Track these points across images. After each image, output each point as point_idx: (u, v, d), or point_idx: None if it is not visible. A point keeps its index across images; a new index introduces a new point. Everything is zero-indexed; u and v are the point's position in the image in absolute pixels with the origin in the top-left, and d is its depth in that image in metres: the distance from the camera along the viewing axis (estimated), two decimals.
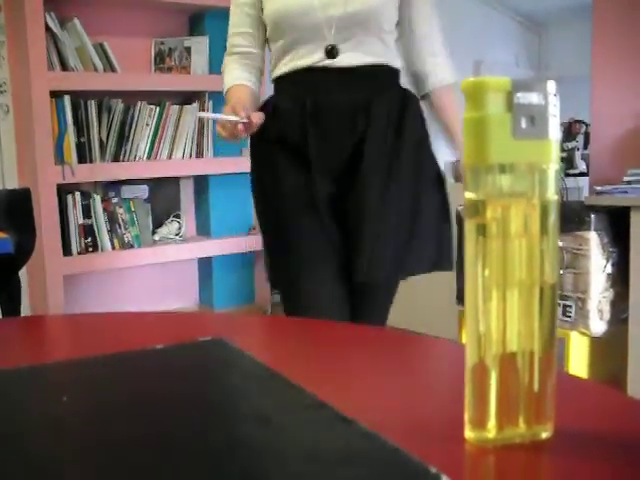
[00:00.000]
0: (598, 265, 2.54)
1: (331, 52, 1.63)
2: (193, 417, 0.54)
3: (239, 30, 1.77)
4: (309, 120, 1.65)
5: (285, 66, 1.70)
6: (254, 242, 3.87)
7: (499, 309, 0.49)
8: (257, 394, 0.61)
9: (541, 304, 0.49)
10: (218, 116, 1.55)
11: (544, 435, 0.52)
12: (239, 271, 3.93)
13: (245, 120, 1.51)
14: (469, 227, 0.49)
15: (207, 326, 0.89)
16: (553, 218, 0.48)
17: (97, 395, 0.59)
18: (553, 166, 0.48)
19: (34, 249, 2.03)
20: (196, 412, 0.55)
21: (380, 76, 1.69)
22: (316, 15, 1.61)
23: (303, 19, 1.63)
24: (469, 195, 0.48)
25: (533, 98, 0.46)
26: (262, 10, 1.72)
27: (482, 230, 0.48)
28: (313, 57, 1.65)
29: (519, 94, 0.46)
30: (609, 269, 2.57)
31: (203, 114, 1.42)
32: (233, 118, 1.51)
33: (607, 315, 2.58)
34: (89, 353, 0.71)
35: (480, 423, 0.51)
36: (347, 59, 1.64)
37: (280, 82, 1.74)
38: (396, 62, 1.73)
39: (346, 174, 1.68)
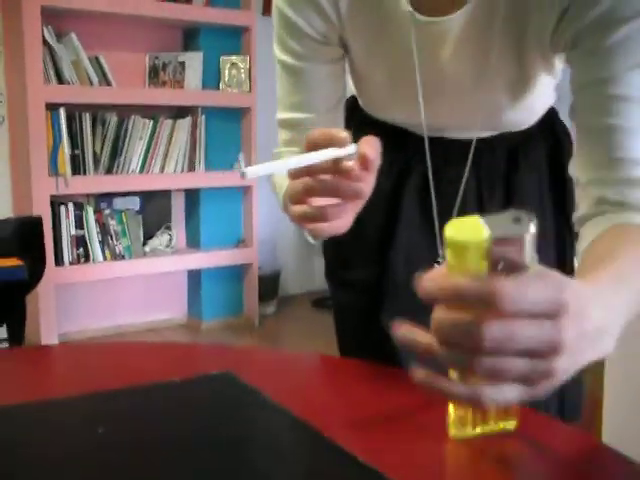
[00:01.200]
0: None
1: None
2: (205, 453, 0.62)
3: (297, 99, 0.96)
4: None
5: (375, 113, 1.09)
6: (242, 255, 3.94)
7: None
8: (263, 430, 0.68)
9: None
10: (293, 162, 0.66)
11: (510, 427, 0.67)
12: (227, 283, 4.00)
13: (354, 150, 0.66)
14: None
15: (213, 358, 0.95)
16: None
17: (122, 429, 0.67)
18: None
19: (44, 274, 2.09)
20: (207, 448, 0.63)
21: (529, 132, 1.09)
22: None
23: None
24: None
25: (509, 250, 0.49)
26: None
27: None
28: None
29: (495, 247, 0.49)
30: None
31: (252, 170, 0.56)
32: (331, 153, 0.65)
33: None
34: (99, 386, 0.77)
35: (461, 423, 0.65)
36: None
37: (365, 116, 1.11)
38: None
39: None
